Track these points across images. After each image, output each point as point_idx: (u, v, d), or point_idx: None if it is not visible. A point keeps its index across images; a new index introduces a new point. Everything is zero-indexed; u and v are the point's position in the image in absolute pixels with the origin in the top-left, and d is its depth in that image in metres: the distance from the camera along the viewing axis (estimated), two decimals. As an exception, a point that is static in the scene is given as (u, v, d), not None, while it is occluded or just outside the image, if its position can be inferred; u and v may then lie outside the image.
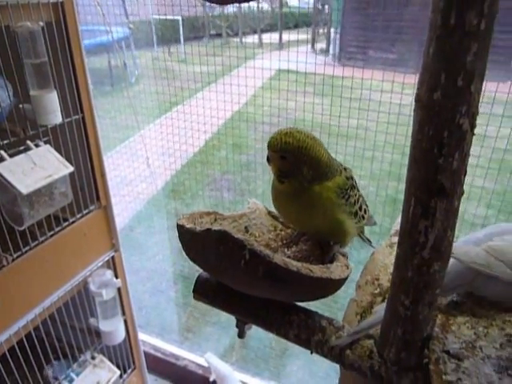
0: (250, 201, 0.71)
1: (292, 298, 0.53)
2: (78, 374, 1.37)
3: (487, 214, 1.58)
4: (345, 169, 0.59)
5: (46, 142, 1.12)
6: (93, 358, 1.42)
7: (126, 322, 1.49)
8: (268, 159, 0.56)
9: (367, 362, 0.45)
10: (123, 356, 1.55)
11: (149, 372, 1.70)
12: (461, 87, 0.30)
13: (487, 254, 0.50)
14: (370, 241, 0.70)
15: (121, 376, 1.49)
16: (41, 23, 1.03)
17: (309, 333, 0.51)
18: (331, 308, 1.63)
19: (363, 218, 0.61)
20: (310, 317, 0.52)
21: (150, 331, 1.89)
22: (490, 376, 0.38)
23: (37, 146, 1.09)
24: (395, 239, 0.67)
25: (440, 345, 0.42)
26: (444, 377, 0.39)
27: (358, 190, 0.61)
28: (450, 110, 0.31)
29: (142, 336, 1.77)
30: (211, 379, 1.57)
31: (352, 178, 0.59)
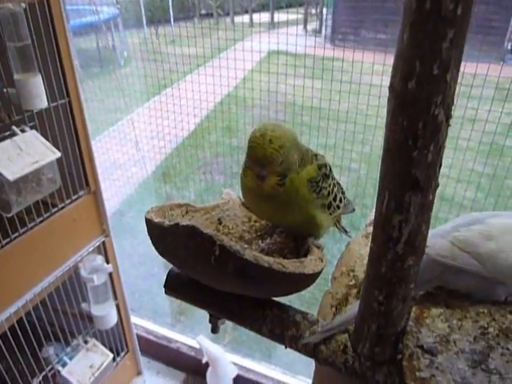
0: (223, 191, 0.70)
1: (264, 293, 0.51)
2: (71, 358, 1.38)
3: (476, 196, 1.59)
4: (315, 155, 0.56)
5: (31, 128, 1.10)
6: (85, 342, 1.43)
7: (118, 306, 1.50)
8: (261, 178, 0.50)
9: (341, 357, 0.45)
10: (116, 339, 1.56)
11: (142, 354, 1.72)
12: (436, 76, 0.29)
13: (452, 246, 0.48)
14: (346, 230, 0.68)
15: (114, 359, 1.50)
16: (23, 5, 1.00)
17: (282, 328, 0.50)
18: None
19: (338, 207, 0.59)
20: (284, 311, 0.51)
21: (142, 315, 1.91)
22: (464, 371, 0.38)
23: (22, 131, 1.08)
24: (371, 229, 0.66)
25: (414, 339, 0.41)
26: (417, 373, 0.38)
27: (333, 179, 0.58)
28: (425, 99, 0.30)
29: (134, 319, 1.78)
30: (203, 361, 1.60)
31: (325, 165, 0.56)
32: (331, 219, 0.59)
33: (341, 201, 0.60)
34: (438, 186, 0.34)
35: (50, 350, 1.43)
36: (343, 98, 1.50)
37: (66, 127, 1.20)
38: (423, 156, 0.32)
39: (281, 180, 0.51)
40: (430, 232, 0.45)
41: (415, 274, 0.39)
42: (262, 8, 3.14)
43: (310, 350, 0.47)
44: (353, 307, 0.49)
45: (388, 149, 0.33)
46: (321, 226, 0.57)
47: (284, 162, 0.50)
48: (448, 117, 0.31)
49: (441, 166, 0.33)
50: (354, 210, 0.67)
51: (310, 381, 1.63)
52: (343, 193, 0.62)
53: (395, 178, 0.34)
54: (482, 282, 0.48)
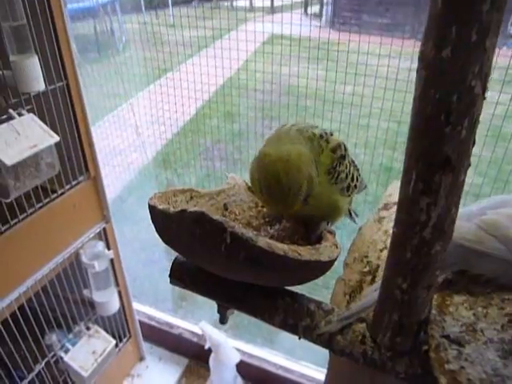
0: (228, 176, 0.66)
1: (277, 282, 0.49)
2: (73, 345, 1.37)
3: (483, 182, 1.57)
4: (323, 137, 0.51)
5: (29, 111, 1.07)
6: (88, 328, 1.42)
7: (119, 292, 1.48)
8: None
9: (359, 348, 0.43)
10: (118, 325, 1.56)
11: (144, 340, 1.72)
12: (474, 42, 0.26)
13: (479, 229, 0.46)
14: (356, 214, 0.65)
15: (116, 345, 1.50)
16: (18, -18, 0.97)
17: (296, 318, 0.47)
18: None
19: (355, 187, 0.55)
20: (297, 300, 0.49)
21: (144, 301, 1.90)
22: (495, 362, 0.36)
23: (20, 114, 1.05)
24: (383, 213, 0.63)
25: (439, 329, 0.39)
26: (446, 366, 0.36)
27: (348, 156, 0.54)
28: (461, 69, 0.27)
29: (136, 306, 1.77)
30: (206, 347, 1.59)
31: (339, 146, 0.51)
32: (349, 201, 0.57)
33: (357, 179, 0.56)
34: (469, 165, 0.31)
35: (52, 337, 1.42)
36: (347, 82, 1.47)
37: (64, 111, 1.16)
38: (456, 132, 0.29)
39: (305, 201, 0.48)
40: None
41: (442, 260, 0.36)
42: (263, -10, 3.07)
43: (325, 341, 0.45)
44: (370, 291, 0.46)
45: (416, 125, 0.30)
46: (342, 210, 0.55)
47: (306, 191, 0.47)
48: (485, 89, 0.28)
49: (474, 143, 0.30)
50: (366, 186, 0.63)
51: (312, 365, 1.62)
52: (358, 169, 0.58)
53: (424, 156, 0.31)
54: (507, 267, 0.45)
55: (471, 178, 1.49)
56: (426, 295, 0.38)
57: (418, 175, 0.32)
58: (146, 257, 2.23)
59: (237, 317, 1.85)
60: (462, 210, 0.50)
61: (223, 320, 0.57)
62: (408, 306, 0.39)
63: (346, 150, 0.53)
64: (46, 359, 1.31)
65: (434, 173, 0.31)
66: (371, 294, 0.46)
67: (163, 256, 2.19)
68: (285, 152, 0.46)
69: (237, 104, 1.93)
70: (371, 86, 1.44)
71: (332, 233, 0.53)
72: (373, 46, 1.40)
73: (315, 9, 3.07)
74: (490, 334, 0.38)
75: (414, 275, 0.37)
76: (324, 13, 2.95)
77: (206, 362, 1.63)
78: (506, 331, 0.38)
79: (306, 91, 1.62)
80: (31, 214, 1.12)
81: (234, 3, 2.86)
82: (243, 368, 1.62)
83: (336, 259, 0.48)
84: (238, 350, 1.63)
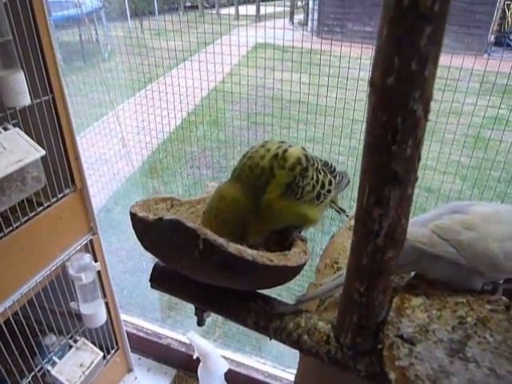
0: (208, 184, 0.70)
1: (249, 286, 0.52)
2: (60, 357, 1.37)
3: (462, 188, 1.61)
4: (284, 159, 0.53)
5: (14, 125, 1.08)
6: (75, 341, 1.42)
7: (107, 304, 1.49)
8: None
9: (324, 348, 0.46)
10: (106, 337, 1.56)
11: (132, 351, 1.72)
12: (414, 72, 0.30)
13: (432, 233, 0.49)
14: (343, 210, 0.68)
15: (104, 357, 1.50)
16: (3, -1, 0.98)
17: (267, 319, 0.51)
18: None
19: (329, 191, 0.58)
20: (268, 303, 0.52)
21: (132, 311, 1.90)
22: (442, 360, 0.39)
23: (5, 129, 1.06)
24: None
25: (394, 329, 0.42)
26: (397, 362, 0.39)
27: (313, 165, 0.55)
28: (404, 95, 0.30)
29: (124, 316, 1.77)
30: (194, 357, 1.60)
31: (299, 162, 0.53)
32: (323, 207, 0.59)
33: (330, 183, 0.58)
34: (417, 179, 0.34)
35: (38, 350, 1.42)
36: (330, 92, 1.51)
37: (50, 124, 1.18)
38: (402, 150, 0.32)
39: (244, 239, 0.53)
40: (410, 221, 0.45)
41: (395, 266, 0.40)
42: (248, 0, 3.14)
43: (294, 341, 0.48)
44: (328, 282, 0.51)
45: (368, 143, 0.34)
46: (313, 220, 0.57)
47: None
48: (426, 112, 0.31)
49: (419, 159, 0.33)
50: (348, 181, 0.65)
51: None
52: (332, 172, 0.60)
53: (375, 171, 0.34)
54: (459, 271, 0.48)
55: (452, 183, 1.54)
56: (383, 298, 0.42)
57: (370, 189, 0.36)
58: (133, 266, 2.23)
59: (225, 326, 1.87)
60: (418, 217, 0.54)
61: (200, 322, 0.60)
62: (366, 308, 0.42)
63: (307, 161, 0.55)
64: (32, 373, 1.30)
65: (384, 186, 0.35)
66: (329, 282, 0.51)
67: (150, 265, 2.18)
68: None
69: (222, 113, 1.96)
70: (353, 94, 1.48)
71: (303, 240, 0.57)
72: (356, 53, 1.44)
73: (301, 17, 3.13)
74: (441, 335, 0.41)
75: (370, 279, 0.40)
76: (309, 21, 3.01)
77: (195, 371, 1.64)
78: (455, 332, 0.42)
79: (290, 99, 1.65)
80: (17, 227, 1.12)
81: (220, 11, 2.89)
82: (232, 377, 1.63)
83: (304, 264, 0.52)
84: (226, 358, 1.64)
